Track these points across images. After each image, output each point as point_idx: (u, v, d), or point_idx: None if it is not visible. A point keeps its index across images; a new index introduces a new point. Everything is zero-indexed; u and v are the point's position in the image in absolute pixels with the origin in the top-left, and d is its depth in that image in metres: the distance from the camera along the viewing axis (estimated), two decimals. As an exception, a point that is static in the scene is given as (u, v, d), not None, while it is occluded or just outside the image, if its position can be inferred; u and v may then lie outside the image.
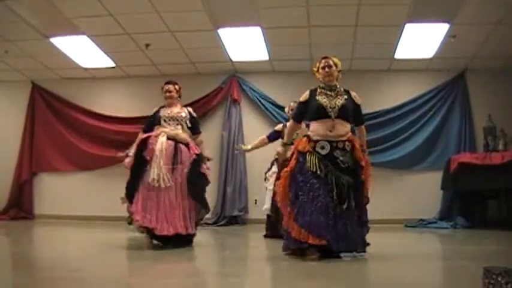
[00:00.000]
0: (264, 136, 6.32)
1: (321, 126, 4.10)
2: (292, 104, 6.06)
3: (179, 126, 5.01)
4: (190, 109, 5.26)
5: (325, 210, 3.89)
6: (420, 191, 8.09)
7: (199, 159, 4.95)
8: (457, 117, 8.33)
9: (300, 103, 4.34)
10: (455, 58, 8.03)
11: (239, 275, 3.48)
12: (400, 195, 8.13)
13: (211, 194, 8.28)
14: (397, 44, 7.50)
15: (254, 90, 8.75)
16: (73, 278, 3.11)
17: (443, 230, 7.23)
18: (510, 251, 4.93)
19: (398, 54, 7.92)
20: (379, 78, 8.53)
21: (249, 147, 6.49)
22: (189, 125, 5.10)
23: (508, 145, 7.53)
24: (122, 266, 3.98)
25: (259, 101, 8.69)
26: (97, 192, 8.68)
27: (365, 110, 8.01)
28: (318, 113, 4.13)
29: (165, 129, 4.92)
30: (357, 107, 4.32)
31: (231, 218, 8.34)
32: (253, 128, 8.54)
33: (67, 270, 3.47)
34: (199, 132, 5.27)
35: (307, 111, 4.26)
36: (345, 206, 3.93)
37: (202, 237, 5.17)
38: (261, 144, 6.32)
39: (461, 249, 5.28)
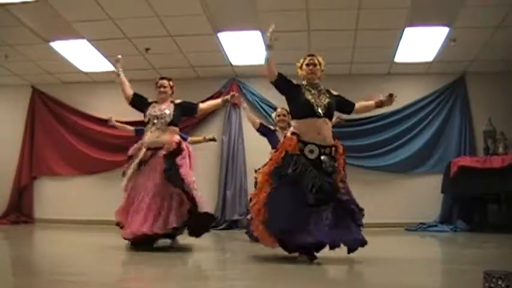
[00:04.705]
0: (259, 121, 6.19)
1: (309, 128, 4.05)
2: (279, 110, 6.08)
3: (164, 126, 4.92)
4: (176, 101, 5.12)
5: (307, 216, 3.88)
6: (420, 194, 8.09)
7: (170, 152, 4.81)
8: (457, 121, 8.34)
9: (292, 81, 4.26)
10: (455, 62, 8.05)
11: (239, 278, 3.48)
12: (400, 199, 8.13)
13: (211, 198, 8.34)
14: (397, 47, 7.51)
15: (254, 94, 8.76)
16: (73, 281, 3.10)
17: (443, 233, 7.23)
18: (510, 254, 4.92)
19: (398, 58, 7.94)
20: (378, 82, 8.53)
21: (247, 108, 6.38)
22: (173, 119, 4.97)
23: (508, 148, 7.54)
24: (121, 270, 3.97)
25: (259, 105, 8.70)
26: (97, 196, 8.67)
27: (365, 113, 8.15)
28: (306, 110, 4.07)
29: (145, 139, 4.94)
30: (339, 97, 4.32)
31: (231, 222, 8.34)
32: (253, 132, 8.42)
33: (67, 274, 3.47)
34: (196, 105, 5.21)
35: (293, 104, 4.21)
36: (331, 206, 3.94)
37: (202, 240, 5.15)
38: (253, 121, 6.13)
39: (462, 252, 5.27)
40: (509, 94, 8.20)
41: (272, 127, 6.24)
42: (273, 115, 6.32)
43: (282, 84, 4.25)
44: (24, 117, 9.32)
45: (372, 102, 4.45)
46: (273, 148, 6.02)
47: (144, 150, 4.87)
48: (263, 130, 6.10)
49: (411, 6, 6.24)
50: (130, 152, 5.01)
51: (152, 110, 4.99)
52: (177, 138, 4.95)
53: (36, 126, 9.30)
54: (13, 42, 7.46)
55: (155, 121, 4.92)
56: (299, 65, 4.36)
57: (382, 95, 4.38)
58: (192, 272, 3.92)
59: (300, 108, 4.13)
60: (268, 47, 4.11)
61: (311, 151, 3.99)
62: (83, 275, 3.43)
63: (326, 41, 7.20)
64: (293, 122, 4.25)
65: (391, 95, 4.36)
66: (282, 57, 7.93)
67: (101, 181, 8.85)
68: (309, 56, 4.34)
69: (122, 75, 5.13)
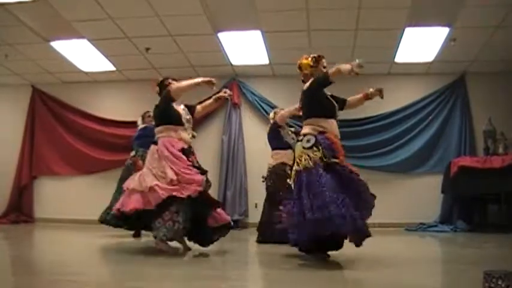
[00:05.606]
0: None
1: (332, 127, 4.16)
2: (279, 110, 6.06)
3: (189, 129, 5.02)
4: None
5: None
6: (420, 194, 8.09)
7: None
8: (457, 121, 8.34)
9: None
10: (455, 62, 8.04)
11: (239, 279, 3.48)
12: (400, 199, 8.12)
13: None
14: (397, 47, 7.51)
15: (254, 94, 8.76)
16: (73, 281, 3.10)
17: (443, 233, 7.23)
18: (510, 254, 4.92)
19: (399, 58, 7.93)
20: (379, 82, 8.47)
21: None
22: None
23: (508, 149, 7.54)
24: (121, 270, 3.97)
25: (260, 105, 8.70)
26: (97, 195, 8.60)
27: (365, 113, 8.15)
28: (334, 110, 4.23)
29: (183, 135, 4.83)
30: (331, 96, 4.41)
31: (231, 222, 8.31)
32: (253, 132, 8.55)
33: (67, 274, 3.47)
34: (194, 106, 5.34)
35: (322, 103, 4.20)
36: None
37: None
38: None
39: (462, 252, 5.27)
40: (510, 94, 8.20)
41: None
42: (271, 115, 6.30)
43: None
44: (24, 116, 9.33)
45: (360, 96, 4.49)
46: (279, 147, 5.93)
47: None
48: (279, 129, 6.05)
49: (411, 6, 6.24)
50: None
51: (183, 113, 5.00)
52: None
53: (36, 125, 9.30)
54: (13, 41, 7.46)
55: (187, 124, 4.98)
56: (309, 62, 4.35)
57: (371, 89, 4.40)
58: (192, 272, 3.91)
59: (329, 108, 4.22)
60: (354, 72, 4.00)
61: None
62: (82, 275, 3.43)
63: (326, 41, 7.20)
64: (315, 121, 4.16)
65: (380, 90, 4.35)
66: (282, 57, 8.00)
67: (100, 181, 8.84)
68: (323, 57, 4.39)
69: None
